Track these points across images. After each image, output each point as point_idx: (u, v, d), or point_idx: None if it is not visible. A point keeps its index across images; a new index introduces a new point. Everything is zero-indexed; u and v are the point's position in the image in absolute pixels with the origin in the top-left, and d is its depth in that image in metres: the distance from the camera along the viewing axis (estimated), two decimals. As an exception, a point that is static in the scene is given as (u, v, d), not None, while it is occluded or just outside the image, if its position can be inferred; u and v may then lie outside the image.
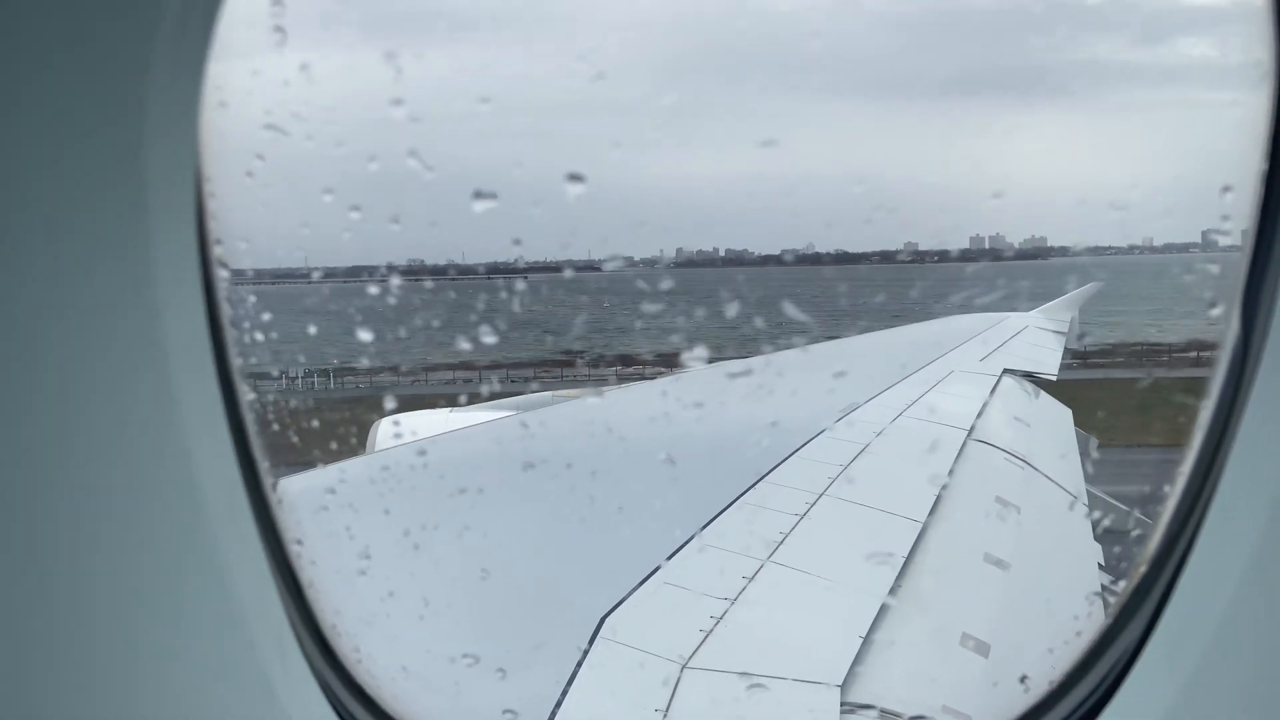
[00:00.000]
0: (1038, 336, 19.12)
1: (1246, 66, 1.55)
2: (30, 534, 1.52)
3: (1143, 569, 1.68)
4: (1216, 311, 1.62)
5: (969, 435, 8.40)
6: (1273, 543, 1.51)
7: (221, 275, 1.60)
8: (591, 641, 3.71)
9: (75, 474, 1.52)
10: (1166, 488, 1.67)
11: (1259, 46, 1.51)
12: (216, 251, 1.59)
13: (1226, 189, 1.70)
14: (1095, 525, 7.08)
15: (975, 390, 11.22)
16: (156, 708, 1.58)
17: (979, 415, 9.48)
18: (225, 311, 1.61)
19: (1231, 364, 1.57)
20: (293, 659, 1.67)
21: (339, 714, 1.74)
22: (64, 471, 1.51)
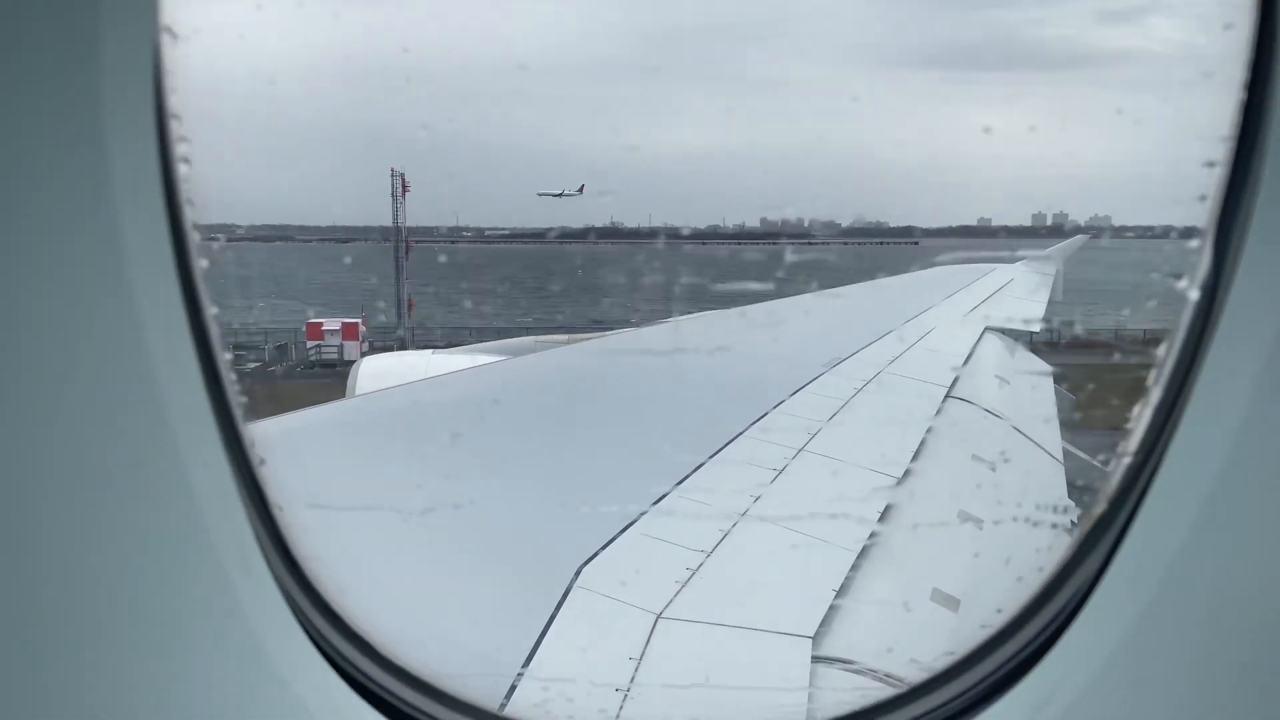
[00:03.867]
0: (1023, 289, 19.35)
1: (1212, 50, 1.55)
2: None
3: (1101, 504, 1.73)
4: (1194, 244, 1.65)
5: (949, 392, 8.48)
6: (1231, 480, 1.57)
7: (184, 182, 1.55)
8: (568, 590, 3.75)
9: (36, 395, 1.50)
10: (1129, 424, 1.72)
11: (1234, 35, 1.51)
12: (180, 167, 1.54)
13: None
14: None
15: (958, 345, 11.30)
16: (118, 619, 1.60)
17: (959, 372, 9.56)
18: (189, 219, 1.56)
19: (1199, 302, 1.61)
20: (257, 569, 1.69)
21: (303, 626, 1.76)
22: (26, 395, 1.49)
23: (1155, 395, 1.67)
